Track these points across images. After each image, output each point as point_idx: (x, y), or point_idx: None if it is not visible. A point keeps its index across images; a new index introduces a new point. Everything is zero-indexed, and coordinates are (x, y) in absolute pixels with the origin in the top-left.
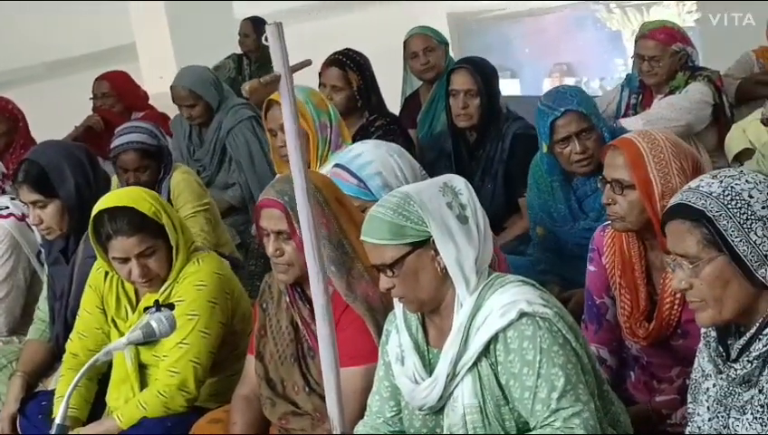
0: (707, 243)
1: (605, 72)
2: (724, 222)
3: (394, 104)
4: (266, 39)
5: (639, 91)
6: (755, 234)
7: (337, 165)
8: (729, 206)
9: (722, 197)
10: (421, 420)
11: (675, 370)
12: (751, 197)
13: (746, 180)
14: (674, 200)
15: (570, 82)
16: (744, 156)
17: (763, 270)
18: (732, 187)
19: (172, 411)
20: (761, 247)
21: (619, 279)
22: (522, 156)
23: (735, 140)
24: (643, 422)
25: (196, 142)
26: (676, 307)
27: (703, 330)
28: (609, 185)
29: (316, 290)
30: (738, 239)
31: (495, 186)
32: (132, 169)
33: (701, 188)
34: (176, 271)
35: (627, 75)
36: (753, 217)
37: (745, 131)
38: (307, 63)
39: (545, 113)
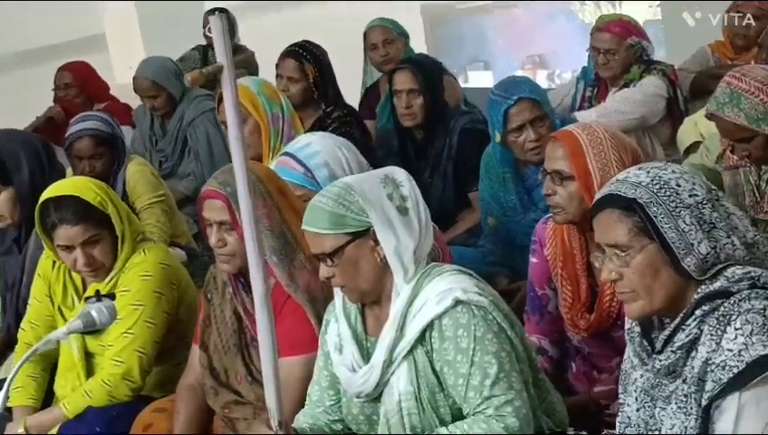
0: (638, 231)
1: (577, 65)
2: (655, 208)
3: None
4: (209, 30)
5: (595, 84)
6: (684, 221)
7: (285, 153)
8: (659, 194)
9: (651, 185)
10: (359, 408)
11: (615, 360)
12: (678, 185)
13: (672, 170)
14: (602, 192)
15: (542, 73)
16: (694, 149)
17: (689, 259)
18: (659, 176)
19: (117, 400)
20: (688, 235)
21: (560, 271)
22: (470, 151)
23: (687, 133)
24: (582, 412)
25: (159, 133)
26: (616, 299)
27: (627, 326)
28: (549, 176)
29: (256, 280)
30: (668, 226)
31: (445, 182)
32: (87, 157)
33: (629, 179)
34: (121, 261)
35: (582, 68)
36: (681, 204)
37: (697, 125)
38: (249, 54)
39: (498, 102)
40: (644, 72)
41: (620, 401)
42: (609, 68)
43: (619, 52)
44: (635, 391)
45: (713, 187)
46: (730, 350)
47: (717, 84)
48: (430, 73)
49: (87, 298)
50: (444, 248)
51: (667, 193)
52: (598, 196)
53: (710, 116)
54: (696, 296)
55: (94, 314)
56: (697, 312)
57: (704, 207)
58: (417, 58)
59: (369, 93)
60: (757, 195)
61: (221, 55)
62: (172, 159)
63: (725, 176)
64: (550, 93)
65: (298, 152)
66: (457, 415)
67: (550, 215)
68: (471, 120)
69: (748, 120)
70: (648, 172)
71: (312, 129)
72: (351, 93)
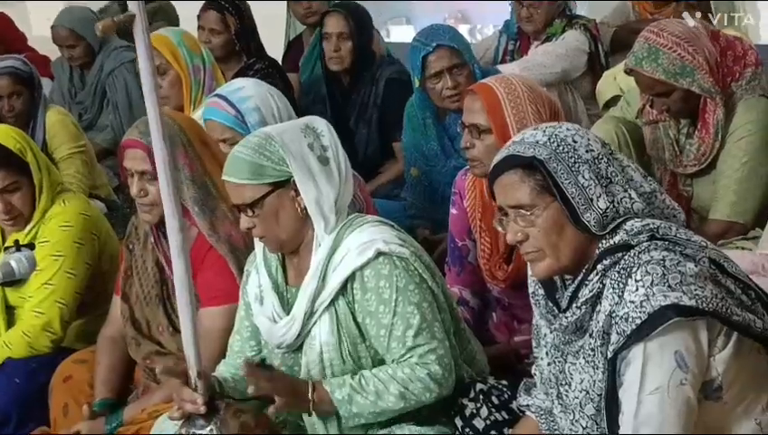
0: (541, 189)
1: (500, 20)
2: (555, 165)
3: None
4: None
5: (517, 38)
6: (583, 177)
7: (216, 94)
8: (557, 151)
9: (548, 143)
10: (280, 359)
11: None
12: (575, 141)
13: (567, 128)
14: (500, 156)
15: (464, 28)
16: (614, 103)
17: (589, 214)
18: (555, 134)
19: (37, 352)
20: (587, 191)
21: (479, 222)
22: (395, 100)
23: (606, 87)
24: (502, 361)
25: (78, 84)
26: None
27: (531, 289)
28: (467, 129)
29: (172, 229)
30: (568, 182)
31: (370, 130)
32: (6, 95)
33: (526, 139)
34: (40, 211)
35: (505, 22)
36: (579, 160)
37: (616, 79)
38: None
39: (418, 49)
40: (566, 26)
41: (535, 353)
42: (532, 22)
43: (542, 6)
44: (545, 346)
45: (606, 142)
46: (632, 301)
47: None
48: (361, 19)
49: (6, 248)
50: (367, 199)
51: (565, 149)
52: (495, 159)
53: (629, 71)
54: (597, 251)
55: (13, 263)
56: (599, 266)
57: (600, 162)
58: (350, 4)
59: (292, 46)
60: (677, 148)
61: (133, 4)
62: (91, 111)
63: (646, 130)
64: (472, 48)
65: (230, 95)
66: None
67: (467, 167)
68: (397, 70)
69: (666, 74)
70: (544, 131)
71: None
72: (274, 47)
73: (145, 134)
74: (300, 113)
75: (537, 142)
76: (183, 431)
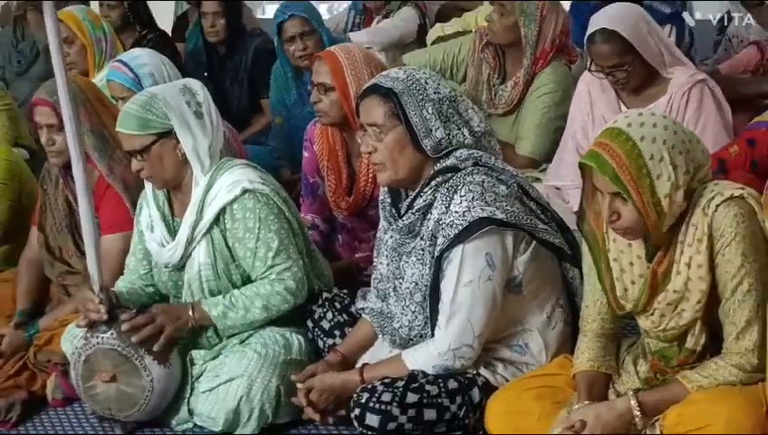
0: (392, 115)
1: None
2: (406, 98)
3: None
4: None
5: (362, 14)
6: (427, 111)
7: (118, 60)
8: (410, 87)
9: (406, 80)
10: (167, 276)
11: (371, 233)
12: (426, 84)
13: (423, 72)
14: (369, 83)
15: (324, 6)
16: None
17: (427, 140)
18: (413, 75)
19: None
20: (428, 122)
21: (326, 163)
22: (262, 65)
23: (433, 33)
24: (345, 274)
25: (20, 36)
26: (369, 184)
27: (381, 197)
28: (316, 88)
29: (77, 172)
30: (414, 113)
31: (241, 90)
32: None
33: (390, 75)
34: None
35: (352, 2)
36: (426, 98)
37: (443, 28)
38: None
39: (277, 17)
40: (402, 4)
41: (374, 263)
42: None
43: None
44: (385, 250)
45: (455, 90)
46: (457, 211)
47: (457, 11)
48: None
49: None
50: (240, 147)
51: (417, 88)
52: (365, 85)
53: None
54: (432, 171)
55: None
56: (432, 183)
57: (443, 103)
58: None
59: (181, 20)
60: (492, 93)
61: None
62: (27, 60)
63: (471, 70)
64: (328, 21)
65: (130, 61)
66: (247, 281)
67: (317, 118)
68: (264, 40)
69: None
70: (405, 72)
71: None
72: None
73: (51, 93)
74: (186, 76)
75: (397, 78)
76: (88, 335)
